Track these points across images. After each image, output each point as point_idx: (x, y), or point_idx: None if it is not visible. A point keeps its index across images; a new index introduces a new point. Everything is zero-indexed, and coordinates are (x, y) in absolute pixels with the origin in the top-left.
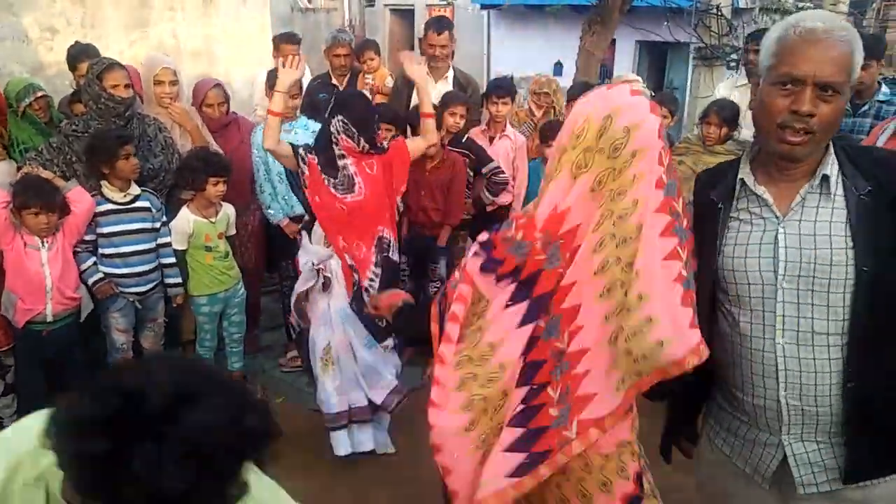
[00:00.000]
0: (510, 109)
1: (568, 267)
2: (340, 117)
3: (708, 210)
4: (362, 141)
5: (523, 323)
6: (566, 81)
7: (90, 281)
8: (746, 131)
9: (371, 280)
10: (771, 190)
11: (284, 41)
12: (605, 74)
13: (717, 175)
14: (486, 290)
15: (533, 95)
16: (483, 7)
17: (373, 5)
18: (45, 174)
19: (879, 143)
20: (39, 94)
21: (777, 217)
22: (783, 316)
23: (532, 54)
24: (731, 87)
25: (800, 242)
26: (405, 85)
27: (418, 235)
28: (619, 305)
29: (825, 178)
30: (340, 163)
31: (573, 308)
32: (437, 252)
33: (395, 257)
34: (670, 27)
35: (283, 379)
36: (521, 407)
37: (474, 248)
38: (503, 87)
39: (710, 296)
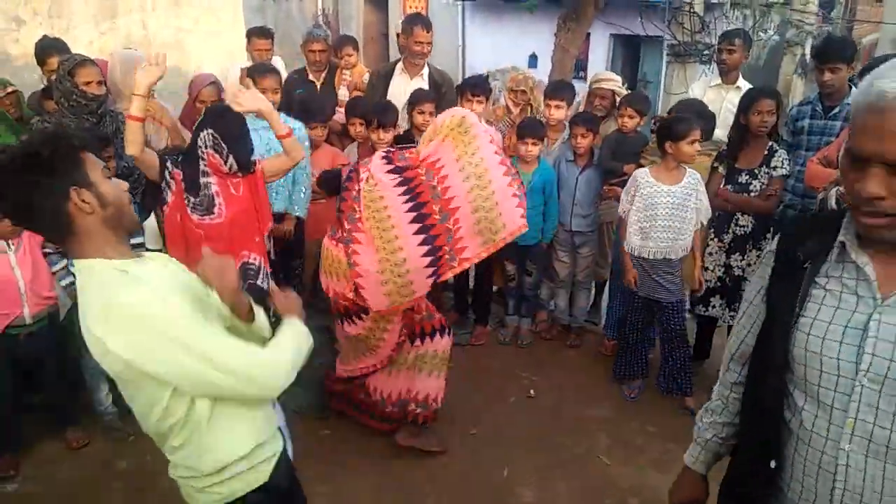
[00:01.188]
0: (485, 108)
1: (440, 183)
2: (210, 130)
3: (790, 268)
4: (230, 159)
5: (413, 214)
6: (541, 74)
7: (63, 284)
8: (720, 131)
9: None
10: (876, 263)
11: (257, 35)
12: (580, 68)
13: (812, 227)
14: (386, 191)
15: (510, 93)
16: None
17: None
18: None
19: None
20: (10, 89)
21: (875, 298)
22: (856, 419)
23: (506, 46)
24: (704, 86)
25: None
26: (381, 81)
27: None
28: (479, 200)
29: None
30: (203, 180)
31: (455, 207)
32: None
33: (265, 284)
34: (644, 22)
35: None
36: (430, 259)
37: (379, 156)
38: (478, 86)
39: (779, 371)
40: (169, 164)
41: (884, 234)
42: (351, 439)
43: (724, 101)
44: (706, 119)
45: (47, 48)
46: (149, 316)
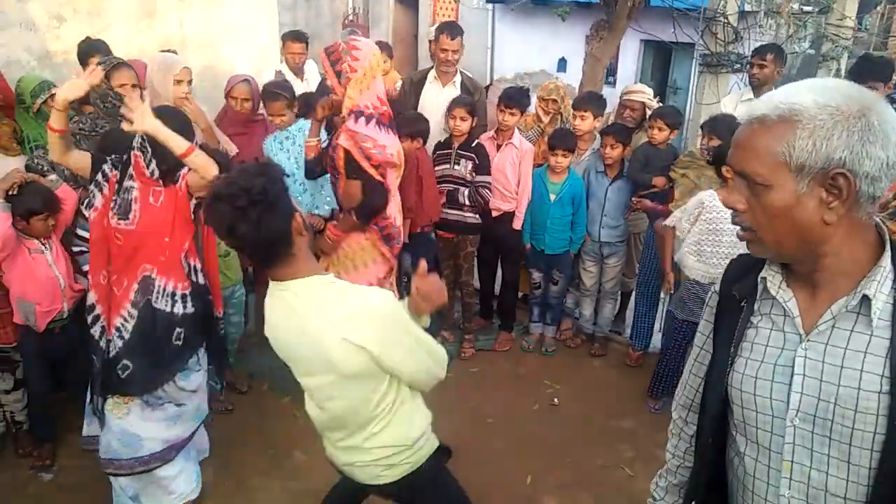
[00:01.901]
0: (518, 120)
1: None
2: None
3: (729, 308)
4: (153, 165)
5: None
6: (570, 78)
7: None
8: None
9: (123, 321)
10: (802, 297)
11: (292, 39)
12: (610, 73)
13: (746, 264)
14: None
15: (541, 101)
16: (488, 1)
17: None
18: (31, 176)
19: None
20: (52, 91)
21: (799, 335)
22: (792, 463)
23: (536, 50)
24: (735, 100)
25: (822, 373)
26: (413, 88)
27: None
28: None
29: (866, 299)
30: (126, 183)
31: None
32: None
33: (164, 307)
34: (676, 28)
35: (288, 378)
36: None
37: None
38: (513, 99)
39: (720, 414)
40: (108, 165)
41: (754, 251)
42: None
43: None
44: (733, 133)
45: (90, 49)
46: (390, 313)
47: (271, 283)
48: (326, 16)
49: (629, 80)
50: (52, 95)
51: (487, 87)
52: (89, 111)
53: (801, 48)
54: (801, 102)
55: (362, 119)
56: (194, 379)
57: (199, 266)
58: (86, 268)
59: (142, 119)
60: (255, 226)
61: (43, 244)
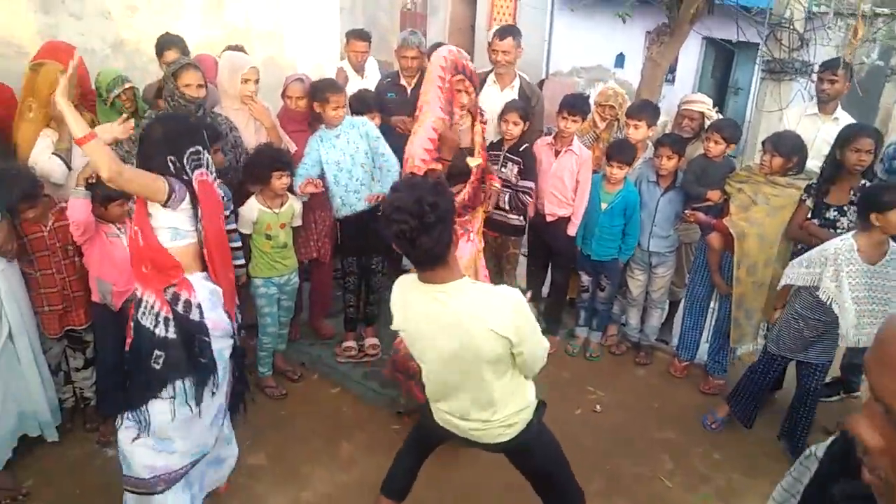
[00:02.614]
0: (579, 127)
1: None
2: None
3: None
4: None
5: None
6: (627, 75)
7: None
8: (814, 162)
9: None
10: None
11: (356, 37)
12: (670, 70)
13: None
14: None
15: (598, 107)
16: None
17: None
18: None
19: None
20: (127, 85)
21: None
22: None
23: (593, 45)
24: (799, 114)
25: None
26: None
27: None
28: None
29: None
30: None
31: None
32: None
33: (148, 324)
34: (740, 27)
35: (338, 369)
36: None
37: None
38: (575, 107)
39: None
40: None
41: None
42: None
43: (818, 132)
44: (803, 154)
45: (167, 43)
46: (524, 307)
47: (424, 286)
48: (385, 4)
49: (689, 79)
50: (127, 89)
51: (542, 82)
52: (161, 107)
53: (870, 59)
54: None
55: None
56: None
57: (195, 301)
58: None
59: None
60: (435, 240)
61: (118, 228)
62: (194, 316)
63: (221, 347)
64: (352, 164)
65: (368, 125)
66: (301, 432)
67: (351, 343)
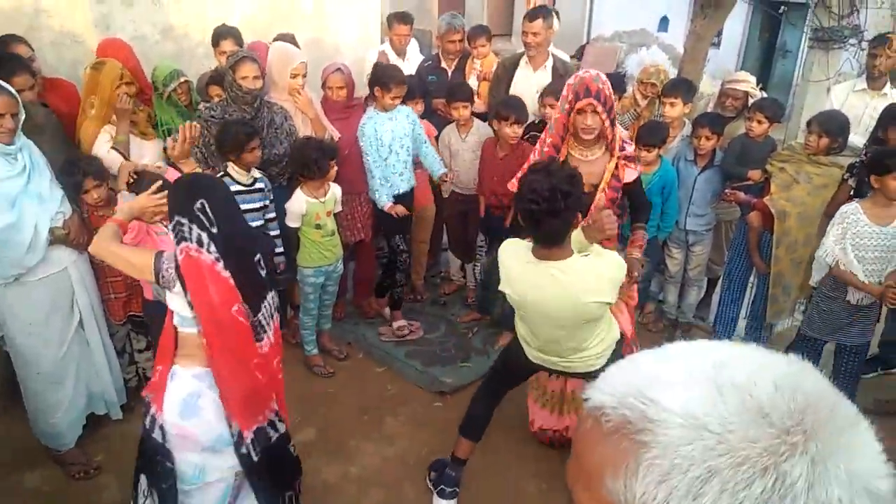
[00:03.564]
0: (619, 105)
1: None
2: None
3: None
4: None
5: None
6: (671, 38)
7: None
8: (858, 138)
9: None
10: None
11: (399, 20)
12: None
13: None
14: None
15: (640, 84)
16: None
17: None
18: (134, 165)
19: None
20: (182, 79)
21: None
22: None
23: (636, 7)
24: (847, 91)
25: None
26: (506, 73)
27: (492, 216)
28: None
29: None
30: None
31: None
32: (506, 230)
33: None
34: None
35: (382, 348)
36: None
37: None
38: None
39: None
40: None
41: None
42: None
43: (867, 108)
44: (847, 133)
45: (223, 34)
46: (618, 273)
47: (539, 261)
48: None
49: (735, 43)
50: (182, 83)
51: (583, 47)
52: (216, 94)
53: None
54: (662, 402)
55: (627, 143)
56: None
57: (160, 421)
58: None
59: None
60: (559, 225)
61: (165, 226)
62: (156, 435)
63: (203, 464)
64: (399, 146)
65: (413, 114)
66: (348, 409)
67: (403, 322)
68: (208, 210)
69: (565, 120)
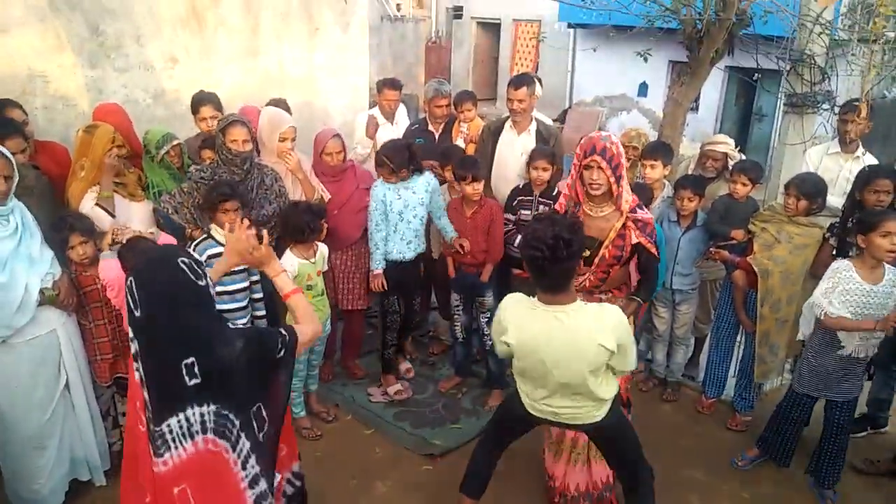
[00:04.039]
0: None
1: None
2: None
3: None
4: None
5: None
6: (651, 103)
7: None
8: (836, 199)
9: None
10: None
11: (388, 86)
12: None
13: None
14: None
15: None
16: (569, 26)
17: (460, 17)
18: (129, 231)
19: None
20: (175, 142)
21: None
22: None
23: (616, 73)
24: (822, 152)
25: None
26: (490, 136)
27: (465, 273)
28: None
29: None
30: None
31: None
32: (483, 286)
33: None
34: (761, 57)
35: (371, 410)
36: None
37: None
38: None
39: None
40: None
41: None
42: None
43: (841, 170)
44: (825, 194)
45: (202, 100)
46: (625, 324)
47: (544, 306)
48: (410, 37)
49: (713, 108)
50: (175, 145)
51: (566, 111)
52: (208, 157)
53: (891, 93)
54: None
55: (642, 210)
56: None
57: None
58: None
59: None
60: (562, 271)
61: None
62: None
63: None
64: (412, 215)
65: (434, 182)
66: (337, 473)
67: (398, 386)
68: (134, 289)
69: (576, 175)
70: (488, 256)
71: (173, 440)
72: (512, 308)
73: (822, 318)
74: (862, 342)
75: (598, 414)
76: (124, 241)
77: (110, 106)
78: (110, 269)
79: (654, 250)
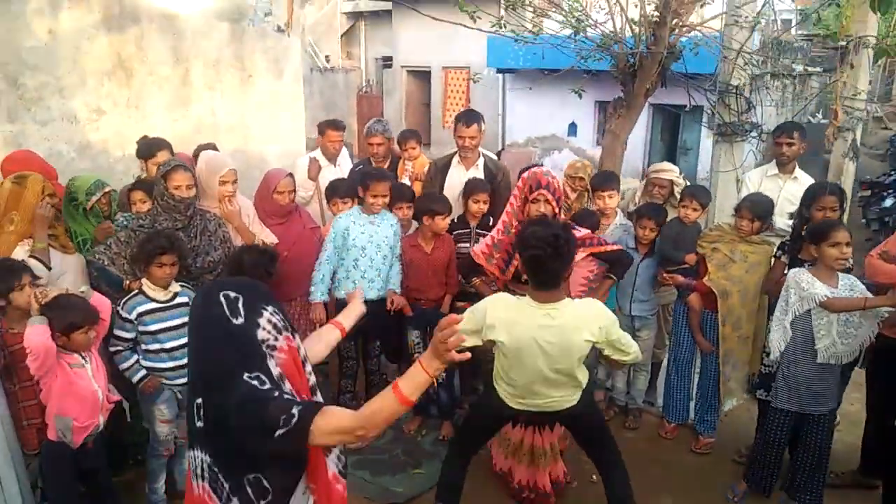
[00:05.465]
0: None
1: None
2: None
3: None
4: None
5: None
6: (581, 142)
7: (135, 379)
8: (781, 219)
9: None
10: None
11: (331, 127)
12: None
13: None
14: None
15: (568, 179)
16: (498, 71)
17: (390, 66)
18: (54, 290)
19: None
20: (107, 189)
21: None
22: None
23: (546, 115)
24: (761, 174)
25: None
26: (438, 172)
27: (424, 309)
28: None
29: None
30: None
31: None
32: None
33: None
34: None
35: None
36: None
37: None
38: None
39: None
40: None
41: None
42: None
43: (781, 191)
44: (772, 213)
45: (153, 146)
46: (611, 316)
47: (536, 304)
48: (341, 87)
49: (639, 143)
50: (106, 192)
51: (500, 152)
52: (139, 199)
53: (816, 119)
54: None
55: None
56: None
57: None
58: (123, 365)
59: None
60: (561, 266)
61: (83, 357)
62: None
63: None
64: (375, 252)
65: (397, 225)
66: None
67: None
68: None
69: (521, 208)
70: (448, 289)
71: (192, 470)
72: (500, 307)
73: (822, 301)
74: (840, 337)
75: (574, 398)
76: (47, 302)
77: (26, 153)
78: (37, 335)
79: (608, 248)
